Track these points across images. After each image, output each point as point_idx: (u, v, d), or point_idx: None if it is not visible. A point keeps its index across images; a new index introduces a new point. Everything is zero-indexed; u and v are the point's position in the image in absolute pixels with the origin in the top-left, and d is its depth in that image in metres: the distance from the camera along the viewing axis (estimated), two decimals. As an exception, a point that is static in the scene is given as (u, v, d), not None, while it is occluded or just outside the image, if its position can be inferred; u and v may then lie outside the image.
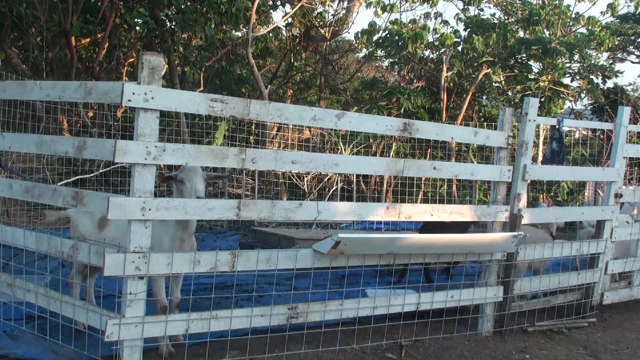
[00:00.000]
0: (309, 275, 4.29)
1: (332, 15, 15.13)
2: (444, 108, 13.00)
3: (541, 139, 10.87)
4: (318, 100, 15.53)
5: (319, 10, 15.11)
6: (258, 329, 3.82)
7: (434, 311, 4.39)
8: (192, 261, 3.39)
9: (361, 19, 65.40)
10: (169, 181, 3.85)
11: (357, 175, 10.60)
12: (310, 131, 11.46)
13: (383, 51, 13.79)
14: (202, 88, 12.84)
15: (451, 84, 13.50)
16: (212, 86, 14.09)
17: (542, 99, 12.43)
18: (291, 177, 10.48)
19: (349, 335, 4.10)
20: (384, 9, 13.66)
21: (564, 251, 5.01)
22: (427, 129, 4.37)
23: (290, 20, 14.63)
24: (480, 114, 14.29)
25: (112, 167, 8.58)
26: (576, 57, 12.89)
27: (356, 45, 16.93)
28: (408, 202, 9.33)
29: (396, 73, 16.97)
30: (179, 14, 10.98)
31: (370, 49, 14.34)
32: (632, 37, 15.67)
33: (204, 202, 3.41)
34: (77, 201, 3.36)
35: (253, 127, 11.92)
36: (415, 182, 10.72)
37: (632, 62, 17.42)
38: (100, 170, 8.62)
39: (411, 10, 15.02)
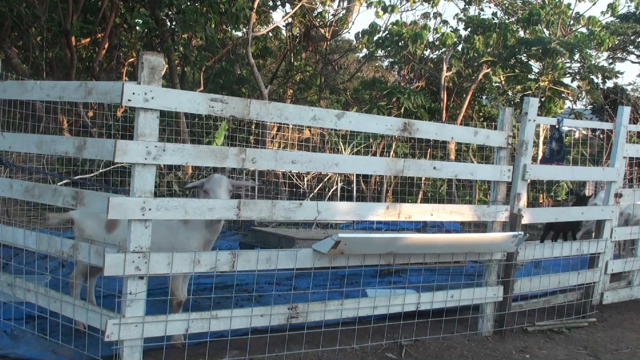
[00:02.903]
0: (309, 275, 4.30)
1: (332, 15, 15.14)
2: (444, 108, 13.00)
3: (541, 138, 10.87)
4: (318, 100, 15.53)
5: (319, 10, 15.11)
6: (258, 328, 3.82)
7: (434, 311, 4.39)
8: (192, 261, 3.40)
9: (361, 19, 65.42)
10: (194, 189, 3.91)
11: (357, 175, 10.59)
12: (310, 131, 11.45)
13: (383, 51, 13.79)
14: (202, 88, 12.84)
15: (451, 84, 13.50)
16: (212, 86, 14.08)
17: (542, 99, 12.44)
18: (291, 177, 10.48)
19: (349, 335, 4.10)
20: (384, 10, 13.65)
21: (563, 251, 5.01)
22: (427, 129, 4.37)
23: (290, 20, 14.63)
24: (480, 114, 14.30)
25: (112, 167, 8.57)
26: (576, 57, 12.90)
27: (356, 45, 16.93)
28: (408, 202, 9.32)
29: (396, 73, 16.98)
30: (179, 14, 10.97)
31: (371, 49, 14.34)
32: (632, 37, 15.68)
33: (204, 202, 3.42)
34: (77, 201, 3.36)
35: (253, 127, 11.91)
36: (415, 182, 10.72)
37: (632, 62, 17.45)
38: (100, 170, 8.61)
39: (412, 10, 15.02)
